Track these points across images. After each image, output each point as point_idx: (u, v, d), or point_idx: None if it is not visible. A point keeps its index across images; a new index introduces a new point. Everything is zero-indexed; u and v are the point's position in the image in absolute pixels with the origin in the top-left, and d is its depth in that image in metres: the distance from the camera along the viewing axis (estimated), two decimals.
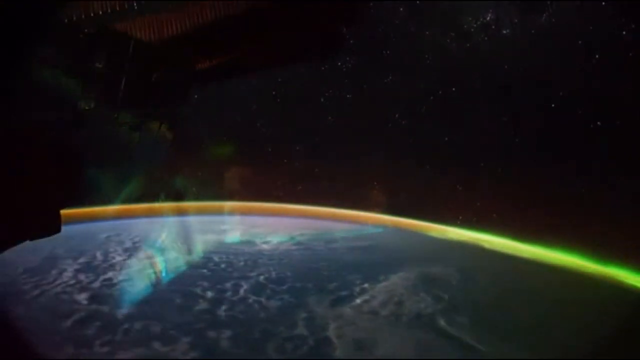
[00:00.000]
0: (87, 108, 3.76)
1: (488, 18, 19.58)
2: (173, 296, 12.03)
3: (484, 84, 20.27)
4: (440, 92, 21.46)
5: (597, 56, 17.69)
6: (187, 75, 4.37)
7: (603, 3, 16.89)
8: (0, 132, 2.87)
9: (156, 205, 21.25)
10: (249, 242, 19.13)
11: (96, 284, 12.64)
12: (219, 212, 23.05)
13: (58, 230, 2.97)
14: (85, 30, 3.63)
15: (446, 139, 22.04)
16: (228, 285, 13.26)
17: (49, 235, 2.91)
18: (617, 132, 17.65)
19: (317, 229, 22.11)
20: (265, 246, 18.83)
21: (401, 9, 20.01)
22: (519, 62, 19.38)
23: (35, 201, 2.81)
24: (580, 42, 17.87)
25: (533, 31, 18.96)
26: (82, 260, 14.69)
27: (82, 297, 11.63)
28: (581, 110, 18.55)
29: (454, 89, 21.05)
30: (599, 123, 18.14)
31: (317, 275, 14.78)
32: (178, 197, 21.11)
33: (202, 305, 11.63)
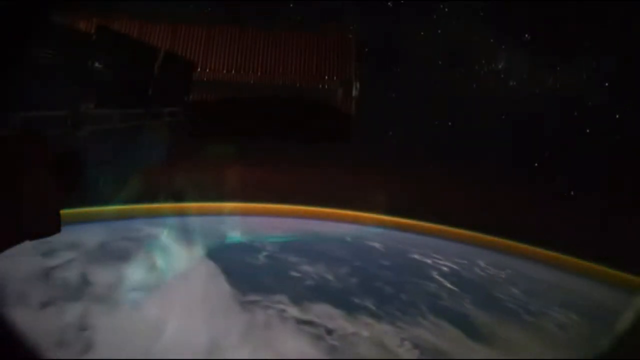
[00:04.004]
0: (87, 108, 3.76)
1: (500, 66, 20.47)
2: None
3: (480, 124, 20.81)
4: (436, 122, 21.85)
5: (587, 130, 19.05)
6: (187, 76, 4.37)
7: (606, 84, 18.23)
8: (1, 132, 2.87)
9: (156, 205, 21.22)
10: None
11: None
12: (222, 213, 23.01)
13: (58, 230, 2.97)
14: (85, 31, 3.64)
15: (431, 167, 22.35)
16: None
17: (49, 235, 2.91)
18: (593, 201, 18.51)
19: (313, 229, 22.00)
20: None
21: (422, 33, 20.28)
22: (515, 115, 20.38)
23: (35, 201, 2.81)
24: (575, 113, 19.27)
25: (537, 91, 20.00)
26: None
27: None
28: (560, 177, 19.90)
29: (450, 123, 21.50)
30: (572, 192, 19.64)
31: None
32: (178, 197, 21.10)
33: None
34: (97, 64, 3.67)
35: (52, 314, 10.65)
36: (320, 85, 3.50)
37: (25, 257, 13.00)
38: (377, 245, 20.84)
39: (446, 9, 19.69)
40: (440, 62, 20.85)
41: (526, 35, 19.07)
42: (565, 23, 17.90)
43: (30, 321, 9.93)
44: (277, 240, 19.79)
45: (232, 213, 22.89)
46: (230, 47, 3.61)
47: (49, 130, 3.24)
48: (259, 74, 3.59)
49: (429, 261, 19.31)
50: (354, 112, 3.55)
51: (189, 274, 14.05)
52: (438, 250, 20.31)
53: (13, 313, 10.03)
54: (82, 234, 17.27)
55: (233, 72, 3.62)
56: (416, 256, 19.70)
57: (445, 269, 18.37)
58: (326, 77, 3.51)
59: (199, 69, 3.74)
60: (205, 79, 3.71)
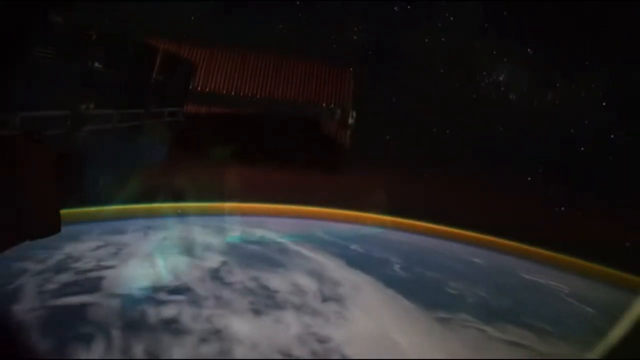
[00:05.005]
0: (87, 108, 3.76)
1: (500, 78, 20.54)
2: None
3: (476, 135, 21.03)
4: (434, 130, 21.93)
5: (582, 148, 19.22)
6: (186, 76, 4.37)
7: (604, 104, 18.50)
8: (1, 132, 2.87)
9: (156, 205, 21.20)
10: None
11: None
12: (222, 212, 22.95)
13: (58, 230, 2.97)
14: (85, 31, 3.63)
15: (426, 173, 22.40)
16: None
17: (49, 235, 2.91)
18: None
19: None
20: None
21: (426, 40, 20.29)
22: (512, 128, 20.56)
23: (35, 201, 2.81)
24: (572, 130, 19.43)
25: (535, 103, 20.14)
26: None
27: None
28: (552, 192, 20.03)
29: (447, 131, 21.63)
30: (562, 208, 19.81)
31: None
32: (178, 197, 21.09)
33: None
34: (97, 64, 3.67)
35: (271, 323, 10.36)
36: (316, 115, 3.58)
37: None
38: (477, 260, 20.79)
39: (451, 18, 19.72)
40: (441, 70, 20.89)
41: (528, 50, 19.19)
42: (566, 42, 18.02)
43: (261, 332, 9.78)
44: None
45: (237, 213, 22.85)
46: (230, 69, 3.69)
47: (49, 130, 3.24)
48: (258, 96, 3.67)
49: (542, 281, 19.35)
50: (347, 145, 3.64)
51: (355, 285, 13.87)
52: (532, 269, 20.45)
53: (232, 321, 9.90)
54: (184, 231, 17.12)
55: (233, 93, 3.71)
56: (525, 275, 19.71)
57: (565, 290, 18.39)
58: (323, 105, 3.59)
59: (199, 88, 3.82)
60: (203, 97, 3.78)
